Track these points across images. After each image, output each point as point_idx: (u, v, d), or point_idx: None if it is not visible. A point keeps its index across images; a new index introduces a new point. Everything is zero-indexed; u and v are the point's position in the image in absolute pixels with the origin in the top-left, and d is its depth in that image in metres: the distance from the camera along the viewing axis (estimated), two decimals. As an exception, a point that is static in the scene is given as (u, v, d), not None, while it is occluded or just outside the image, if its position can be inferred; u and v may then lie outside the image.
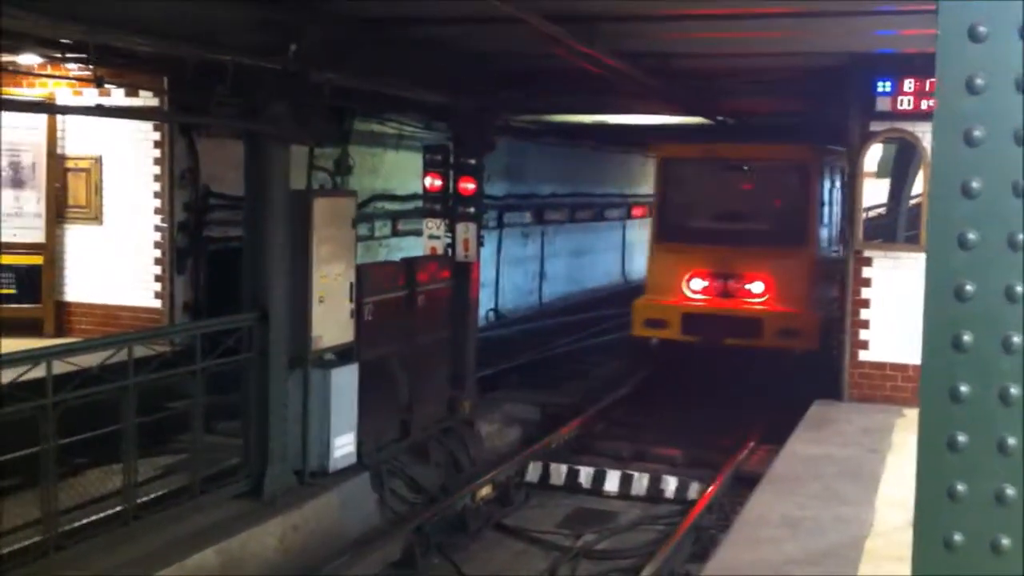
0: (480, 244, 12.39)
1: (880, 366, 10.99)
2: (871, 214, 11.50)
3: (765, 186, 14.62)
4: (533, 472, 11.27)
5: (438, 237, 12.19)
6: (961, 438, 1.63)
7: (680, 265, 13.96)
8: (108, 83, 10.15)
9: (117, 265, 11.39)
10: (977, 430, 1.62)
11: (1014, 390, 1.59)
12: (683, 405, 13.53)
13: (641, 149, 26.33)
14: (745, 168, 14.60)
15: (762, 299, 13.65)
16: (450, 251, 12.17)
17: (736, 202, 14.65)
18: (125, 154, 11.36)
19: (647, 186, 29.80)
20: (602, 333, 19.30)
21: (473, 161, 12.17)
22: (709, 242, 14.02)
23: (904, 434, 9.79)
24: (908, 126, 10.75)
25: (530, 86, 12.76)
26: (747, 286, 13.68)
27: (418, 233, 13.28)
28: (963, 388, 1.62)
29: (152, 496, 8.16)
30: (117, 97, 11.03)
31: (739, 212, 14.53)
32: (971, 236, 1.59)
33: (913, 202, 11.58)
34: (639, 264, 29.46)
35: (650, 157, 16.80)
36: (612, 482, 11.01)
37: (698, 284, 13.90)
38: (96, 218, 11.50)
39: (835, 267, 12.46)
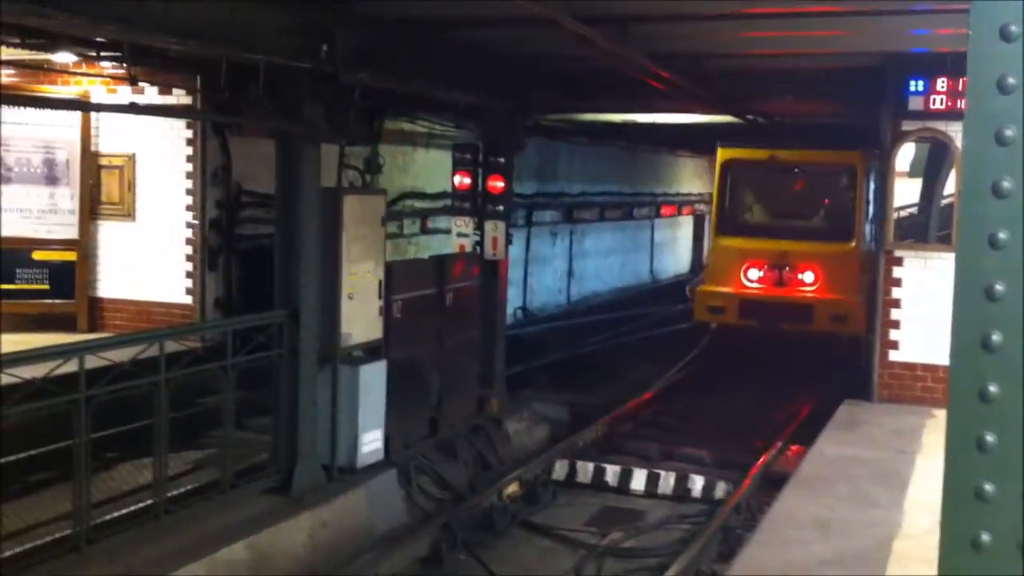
0: (508, 242, 12.41)
1: (910, 367, 10.91)
2: (903, 213, 11.42)
3: (817, 186, 16.04)
4: (560, 470, 11.29)
5: (467, 235, 12.21)
6: (989, 438, 1.63)
7: (739, 256, 15.23)
8: (141, 82, 10.26)
9: (150, 261, 11.51)
10: (1006, 430, 1.62)
11: (1043, 390, 1.59)
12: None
13: (671, 148, 26.32)
14: (797, 170, 15.99)
15: (813, 287, 14.86)
16: (479, 249, 12.19)
17: (790, 200, 16.15)
18: (158, 152, 11.46)
19: (676, 185, 29.82)
20: (631, 332, 19.29)
21: (503, 160, 12.18)
22: (766, 236, 15.30)
23: (934, 436, 9.72)
24: (941, 125, 10.68)
25: (561, 86, 12.77)
26: (800, 275, 14.89)
27: (447, 231, 13.32)
28: (992, 388, 1.62)
29: (182, 491, 8.23)
30: (150, 95, 11.13)
31: (793, 209, 15.97)
32: (1002, 236, 1.59)
33: (945, 202, 11.50)
34: (667, 263, 29.46)
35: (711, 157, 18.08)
36: (639, 480, 11.01)
37: (754, 274, 15.17)
38: (129, 215, 11.61)
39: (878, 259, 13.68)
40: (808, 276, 14.90)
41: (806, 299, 14.82)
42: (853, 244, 14.93)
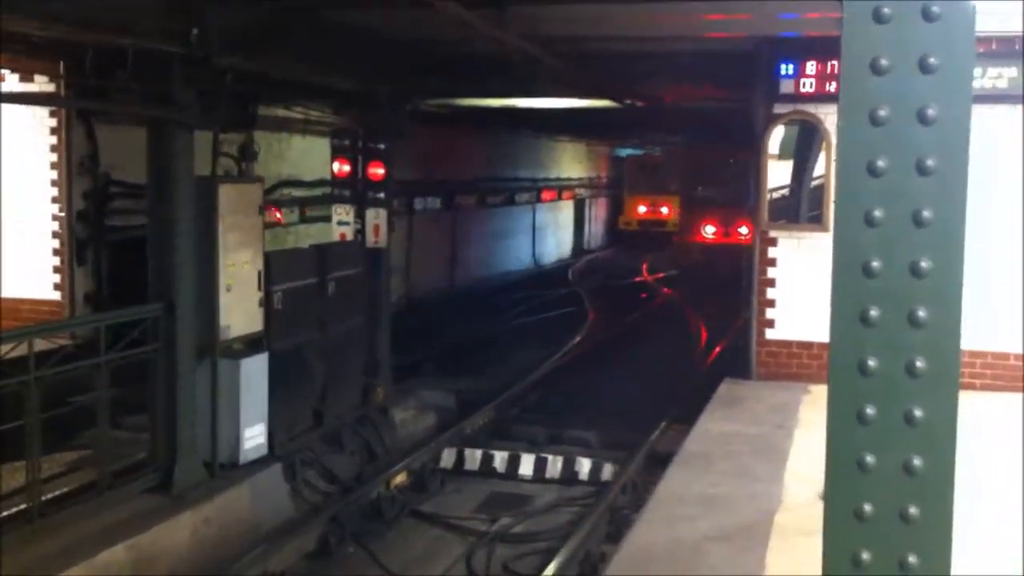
0: (391, 230, 12.29)
1: (786, 344, 11.22)
2: (775, 195, 11.72)
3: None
4: (448, 458, 11.28)
5: (348, 223, 12.05)
6: (870, 411, 1.67)
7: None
8: (2, 68, 9.81)
9: (13, 257, 11.02)
10: (885, 403, 1.66)
11: (920, 363, 1.64)
12: None
13: (550, 134, 26.60)
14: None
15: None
16: (360, 237, 12.05)
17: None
18: (20, 142, 10.99)
19: (557, 170, 30.05)
20: (517, 316, 19.40)
21: (383, 146, 12.05)
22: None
23: (810, 410, 10.03)
24: (810, 108, 10.98)
25: (441, 71, 12.69)
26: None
27: (327, 219, 13.12)
28: (871, 362, 1.65)
29: (58, 493, 7.95)
30: (11, 83, 10.65)
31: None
32: (877, 214, 1.62)
33: (815, 183, 11.83)
34: (550, 248, 29.71)
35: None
36: (527, 465, 11.08)
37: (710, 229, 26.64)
38: (-9, 208, 11.10)
39: None
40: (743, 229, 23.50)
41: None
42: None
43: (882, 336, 1.64)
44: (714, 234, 26.19)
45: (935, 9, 1.57)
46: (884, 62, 1.59)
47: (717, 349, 16.66)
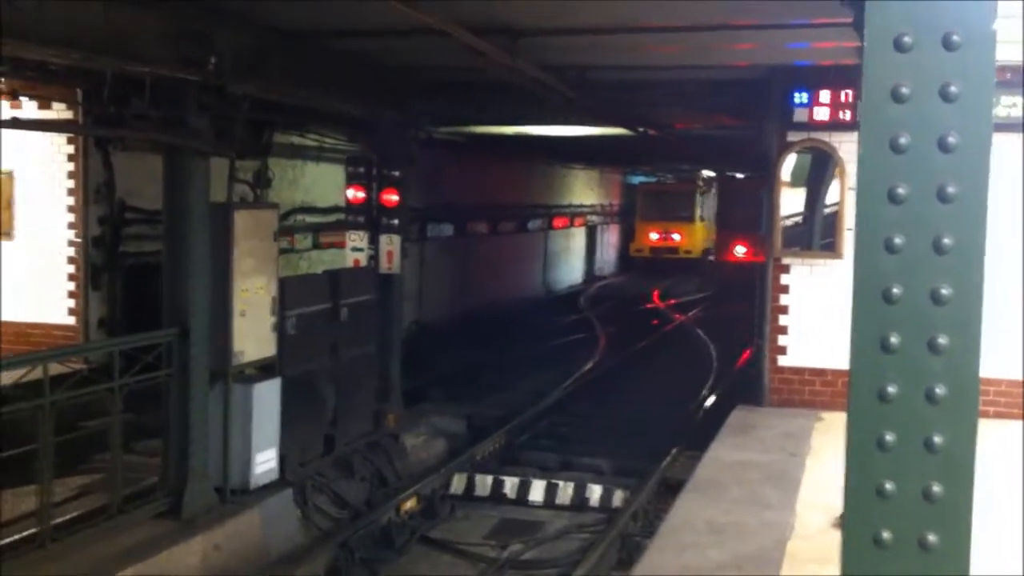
0: (403, 256, 12.33)
1: (799, 371, 11.20)
2: (788, 223, 11.73)
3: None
4: (458, 483, 11.25)
5: (361, 249, 12.09)
6: (889, 437, 1.67)
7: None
8: (21, 95, 9.89)
9: (29, 281, 11.08)
10: (905, 430, 1.66)
11: (940, 390, 1.64)
12: None
13: (564, 161, 26.75)
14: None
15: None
16: (373, 263, 12.09)
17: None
18: (38, 168, 11.07)
19: (569, 197, 30.11)
20: (528, 341, 19.38)
21: (396, 173, 12.11)
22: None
23: (823, 438, 9.99)
24: (824, 136, 11.01)
25: (452, 98, 12.76)
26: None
27: (340, 246, 13.17)
28: (891, 389, 1.66)
29: (68, 517, 7.94)
30: (29, 109, 10.75)
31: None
32: (897, 240, 1.63)
33: (828, 211, 11.84)
34: (561, 275, 29.72)
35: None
36: (537, 492, 11.04)
37: (741, 249, 28.29)
38: (7, 233, 11.18)
39: None
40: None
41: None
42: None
43: (902, 363, 1.64)
44: (744, 254, 27.93)
45: (956, 38, 1.58)
46: (905, 90, 1.60)
47: (745, 354, 16.75)
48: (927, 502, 1.66)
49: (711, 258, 31.49)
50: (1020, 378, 10.39)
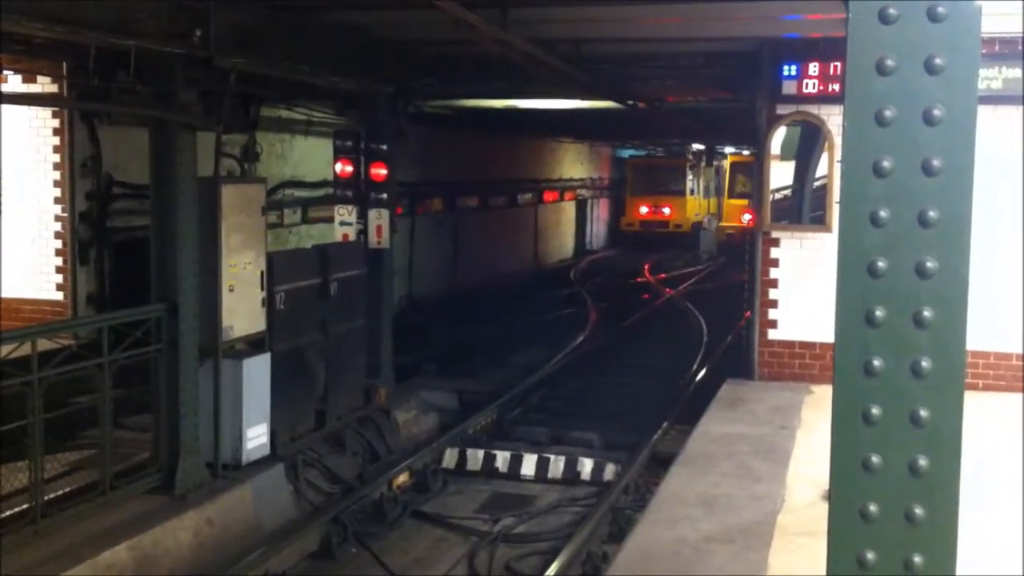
0: (393, 231, 12.30)
1: (789, 344, 11.22)
2: (777, 196, 11.72)
3: None
4: (450, 458, 11.28)
5: (350, 224, 12.05)
6: (875, 411, 1.67)
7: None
8: (5, 69, 9.81)
9: (16, 257, 11.03)
10: (891, 403, 1.66)
11: (925, 363, 1.63)
12: None
13: (553, 135, 26.64)
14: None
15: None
16: (363, 238, 12.05)
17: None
18: (23, 143, 10.99)
19: (559, 171, 30.04)
20: (519, 315, 19.39)
21: (385, 147, 12.05)
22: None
23: (813, 411, 10.03)
24: (813, 109, 10.99)
25: (442, 72, 12.69)
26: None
27: (329, 220, 13.12)
28: (876, 362, 1.65)
29: (60, 493, 7.94)
30: (14, 83, 10.65)
31: None
32: (882, 214, 1.62)
33: (817, 184, 11.84)
34: (551, 248, 29.71)
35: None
36: (528, 466, 11.07)
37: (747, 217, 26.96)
38: (-7, 208, 11.11)
39: None
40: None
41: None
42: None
43: (887, 336, 1.64)
44: (749, 221, 30.35)
45: (941, 10, 1.57)
46: (890, 63, 1.59)
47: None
48: (913, 475, 1.66)
49: (719, 224, 33.65)
50: (1010, 351, 10.43)
